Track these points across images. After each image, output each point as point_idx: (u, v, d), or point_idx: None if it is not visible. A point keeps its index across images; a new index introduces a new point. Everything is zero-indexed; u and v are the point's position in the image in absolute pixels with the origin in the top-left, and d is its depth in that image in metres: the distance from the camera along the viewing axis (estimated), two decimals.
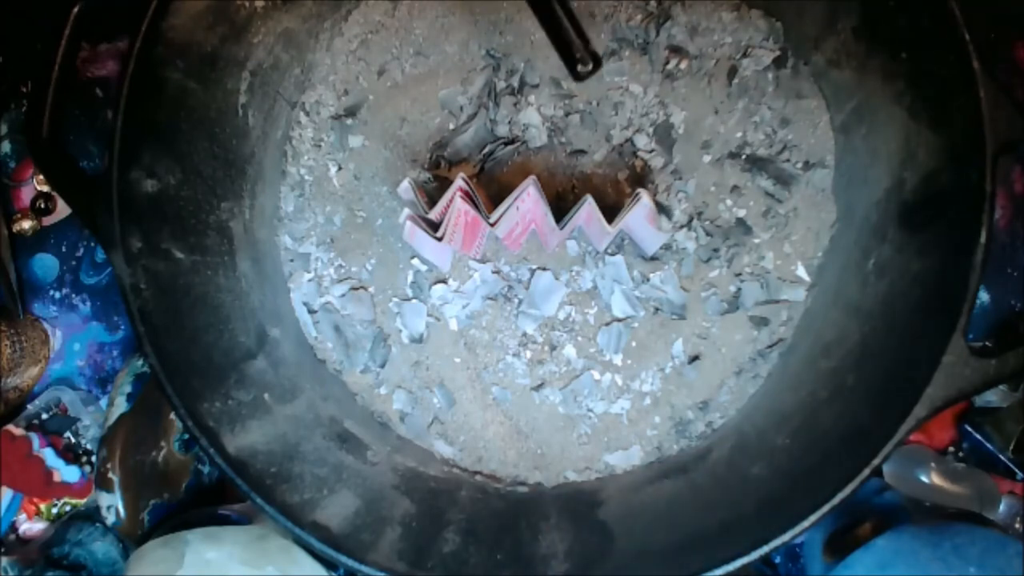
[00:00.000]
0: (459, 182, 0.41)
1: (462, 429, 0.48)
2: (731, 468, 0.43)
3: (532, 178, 0.41)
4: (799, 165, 0.46)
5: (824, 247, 0.46)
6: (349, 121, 0.49)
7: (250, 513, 0.47)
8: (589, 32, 0.47)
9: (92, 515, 0.51)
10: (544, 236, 0.47)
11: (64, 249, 0.56)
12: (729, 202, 0.47)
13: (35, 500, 0.52)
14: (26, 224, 0.55)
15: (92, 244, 0.56)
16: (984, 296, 0.52)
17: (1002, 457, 0.50)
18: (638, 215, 0.42)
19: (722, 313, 0.47)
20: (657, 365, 0.47)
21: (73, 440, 0.53)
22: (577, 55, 0.37)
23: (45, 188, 0.56)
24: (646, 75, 0.48)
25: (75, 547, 0.49)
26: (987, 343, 0.51)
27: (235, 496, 0.52)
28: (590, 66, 0.37)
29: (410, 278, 0.48)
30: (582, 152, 0.48)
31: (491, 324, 0.48)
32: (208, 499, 0.52)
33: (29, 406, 0.54)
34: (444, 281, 0.48)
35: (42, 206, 0.56)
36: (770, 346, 0.46)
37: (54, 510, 0.53)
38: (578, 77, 0.37)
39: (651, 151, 0.47)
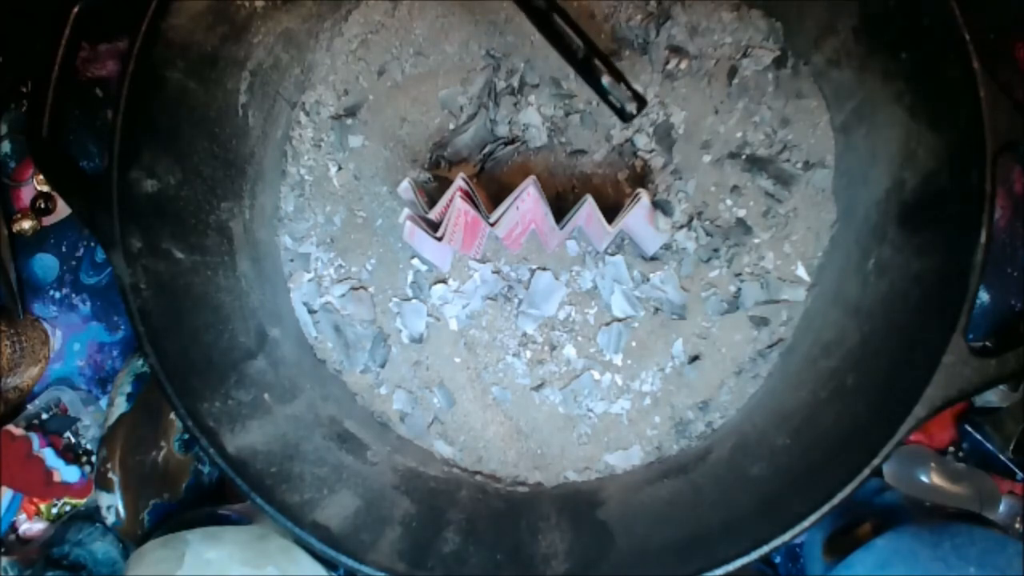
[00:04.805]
0: (459, 182, 0.41)
1: (462, 429, 0.48)
2: (731, 468, 0.43)
3: (532, 178, 0.41)
4: (799, 165, 0.46)
5: (824, 247, 0.46)
6: (349, 121, 0.49)
7: (250, 513, 0.47)
8: (589, 32, 0.48)
9: (92, 515, 0.51)
10: (544, 236, 0.47)
11: (64, 249, 0.56)
12: (729, 202, 0.47)
13: (35, 500, 0.52)
14: (26, 224, 0.55)
15: (92, 244, 0.56)
16: (984, 296, 0.52)
17: (1002, 457, 0.50)
18: (638, 215, 0.42)
19: (722, 313, 0.47)
20: (657, 365, 0.47)
21: (73, 440, 0.53)
22: (620, 104, 0.39)
23: (45, 188, 0.56)
24: (646, 75, 0.47)
25: (75, 547, 0.49)
26: (987, 343, 0.51)
27: (235, 496, 0.52)
28: (634, 108, 0.39)
29: (410, 278, 0.48)
30: (582, 152, 0.48)
31: (491, 324, 0.48)
32: (208, 499, 0.52)
33: (29, 406, 0.54)
34: (444, 281, 0.48)
35: (42, 206, 0.56)
36: (770, 346, 0.46)
37: (54, 510, 0.53)
38: (626, 119, 0.39)
39: (651, 151, 0.47)
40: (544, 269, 0.48)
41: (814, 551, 0.47)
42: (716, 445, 0.46)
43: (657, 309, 0.47)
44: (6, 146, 0.57)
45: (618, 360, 0.47)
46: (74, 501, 0.53)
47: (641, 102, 0.39)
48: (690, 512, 0.42)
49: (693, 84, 0.47)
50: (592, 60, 0.39)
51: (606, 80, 0.38)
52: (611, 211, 0.43)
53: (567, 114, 0.48)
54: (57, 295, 0.56)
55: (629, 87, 0.39)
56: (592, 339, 0.47)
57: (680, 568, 0.37)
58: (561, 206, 0.45)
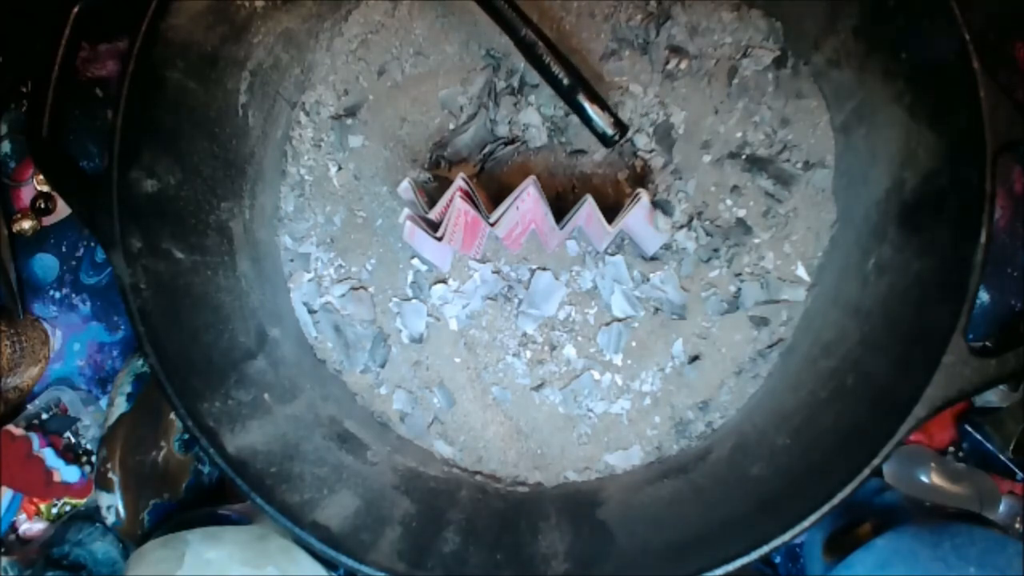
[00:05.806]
0: (459, 182, 0.41)
1: (462, 429, 0.48)
2: (731, 468, 0.43)
3: (532, 178, 0.41)
4: (799, 165, 0.46)
5: (824, 247, 0.46)
6: (349, 121, 0.49)
7: (250, 513, 0.47)
8: (589, 31, 0.48)
9: (92, 515, 0.51)
10: (544, 236, 0.47)
11: (64, 249, 0.56)
12: (729, 202, 0.47)
13: (35, 500, 0.52)
14: (26, 224, 0.55)
15: (92, 244, 0.56)
16: (984, 296, 0.52)
17: (1002, 457, 0.50)
18: (638, 215, 0.42)
19: (722, 313, 0.47)
20: (657, 365, 0.47)
21: (73, 440, 0.53)
22: (603, 130, 0.41)
23: (45, 188, 0.56)
24: (646, 75, 0.47)
25: (75, 547, 0.49)
26: (987, 343, 0.51)
27: (235, 496, 0.52)
28: (616, 135, 0.41)
29: (410, 278, 0.48)
30: (582, 152, 0.48)
31: (491, 324, 0.48)
32: (208, 499, 0.52)
33: (29, 406, 0.54)
34: (444, 281, 0.48)
35: (42, 206, 0.56)
36: (770, 346, 0.46)
37: (54, 510, 0.53)
38: (608, 144, 0.41)
39: (651, 151, 0.47)
40: (544, 269, 0.48)
41: (814, 551, 0.47)
42: (716, 445, 0.46)
43: (657, 309, 0.47)
44: (6, 146, 0.57)
45: (618, 360, 0.47)
46: (74, 501, 0.53)
47: (623, 129, 0.40)
48: (690, 512, 0.42)
49: (693, 84, 0.47)
50: (577, 88, 0.39)
51: (590, 107, 0.39)
52: (611, 211, 0.43)
53: (567, 114, 0.48)
54: (57, 295, 0.56)
55: (613, 115, 0.40)
56: (592, 339, 0.47)
57: (680, 568, 0.37)
58: (561, 206, 0.45)
